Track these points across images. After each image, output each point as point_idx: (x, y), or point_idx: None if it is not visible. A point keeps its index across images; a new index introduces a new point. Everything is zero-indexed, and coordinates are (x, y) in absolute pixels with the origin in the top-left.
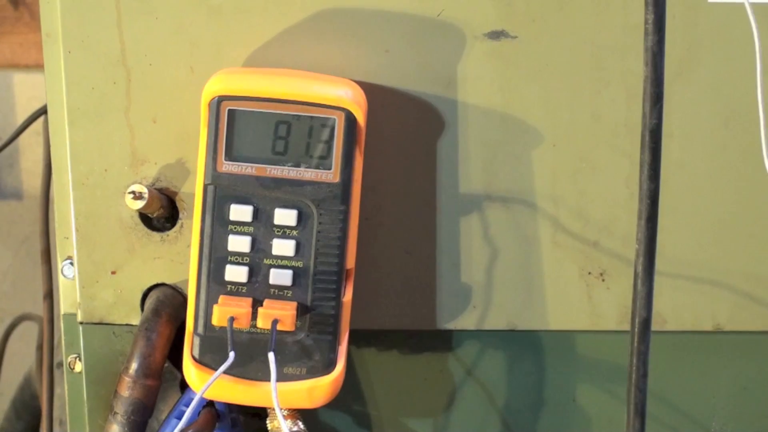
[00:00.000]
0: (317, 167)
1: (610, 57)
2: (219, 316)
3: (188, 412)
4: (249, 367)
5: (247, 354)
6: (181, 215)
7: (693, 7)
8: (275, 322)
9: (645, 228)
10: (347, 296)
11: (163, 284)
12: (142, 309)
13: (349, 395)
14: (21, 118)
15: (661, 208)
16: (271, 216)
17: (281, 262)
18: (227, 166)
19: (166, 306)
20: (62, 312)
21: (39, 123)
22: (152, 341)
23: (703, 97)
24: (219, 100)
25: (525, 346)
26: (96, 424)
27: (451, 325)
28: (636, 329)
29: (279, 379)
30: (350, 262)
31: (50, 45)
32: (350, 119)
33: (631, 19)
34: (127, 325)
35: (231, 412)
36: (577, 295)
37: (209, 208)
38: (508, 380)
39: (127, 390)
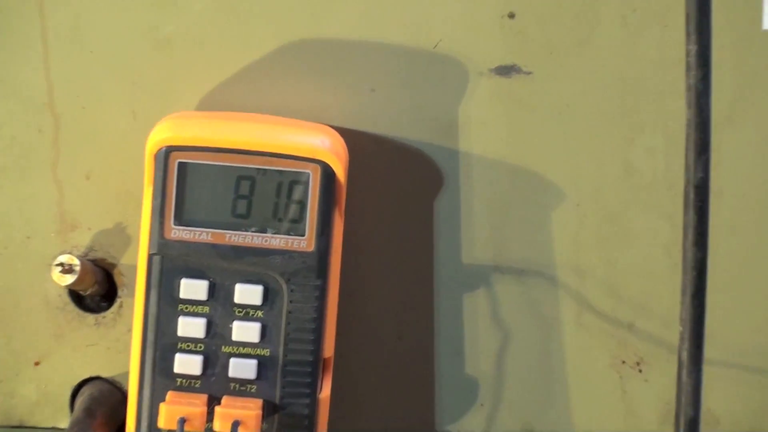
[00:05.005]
0: (288, 233)
1: (645, 97)
2: (167, 417)
3: None
4: None
5: None
6: (120, 293)
7: (745, 35)
8: (236, 423)
9: (691, 306)
10: (325, 392)
11: (97, 378)
12: (72, 409)
13: None
14: None
15: (709, 282)
16: (230, 293)
17: (243, 350)
18: (177, 232)
19: (102, 405)
20: None
21: None
22: None
23: (758, 144)
24: (167, 151)
25: None
26: None
27: (454, 428)
28: (682, 431)
29: None
30: (328, 349)
31: None
32: (327, 174)
33: (670, 52)
34: (53, 428)
35: None
36: (608, 390)
37: (155, 284)
38: None
39: None
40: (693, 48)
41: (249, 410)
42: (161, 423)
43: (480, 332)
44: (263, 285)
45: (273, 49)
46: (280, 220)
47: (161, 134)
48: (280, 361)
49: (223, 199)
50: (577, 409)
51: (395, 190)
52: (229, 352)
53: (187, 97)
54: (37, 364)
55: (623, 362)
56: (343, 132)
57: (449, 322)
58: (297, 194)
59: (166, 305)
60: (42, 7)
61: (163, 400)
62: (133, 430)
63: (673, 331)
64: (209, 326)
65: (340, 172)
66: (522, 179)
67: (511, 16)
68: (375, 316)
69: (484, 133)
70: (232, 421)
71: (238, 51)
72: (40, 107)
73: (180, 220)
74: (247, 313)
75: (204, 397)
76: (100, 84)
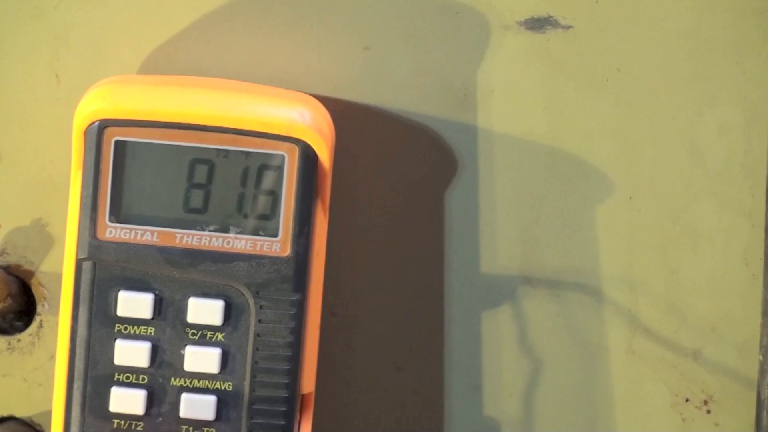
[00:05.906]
0: (256, 233)
1: (718, 58)
2: None
3: None
4: None
5: None
6: (39, 308)
7: None
8: None
9: None
10: None
11: (10, 418)
12: None
13: None
14: None
15: None
16: (182, 310)
17: (199, 384)
18: (114, 231)
19: None
20: None
21: None
22: None
23: None
24: (101, 126)
25: None
26: None
27: None
28: None
29: None
30: (308, 384)
31: None
32: (308, 156)
33: None
34: None
35: None
36: None
37: (85, 298)
38: None
39: None
40: None
41: None
42: None
43: (503, 361)
44: (224, 300)
45: None
46: (246, 216)
47: (93, 104)
48: (246, 398)
49: (174, 188)
50: None
51: (395, 177)
52: (181, 385)
53: (127, 56)
54: None
55: (687, 400)
56: (329, 102)
57: (463, 349)
58: (268, 183)
59: (99, 325)
60: None
61: None
62: None
63: (752, 361)
64: (155, 352)
65: (324, 154)
66: (559, 165)
67: None
68: (368, 340)
69: (510, 104)
70: None
71: None
72: None
73: (117, 215)
74: (203, 335)
75: None
76: (13, 39)
